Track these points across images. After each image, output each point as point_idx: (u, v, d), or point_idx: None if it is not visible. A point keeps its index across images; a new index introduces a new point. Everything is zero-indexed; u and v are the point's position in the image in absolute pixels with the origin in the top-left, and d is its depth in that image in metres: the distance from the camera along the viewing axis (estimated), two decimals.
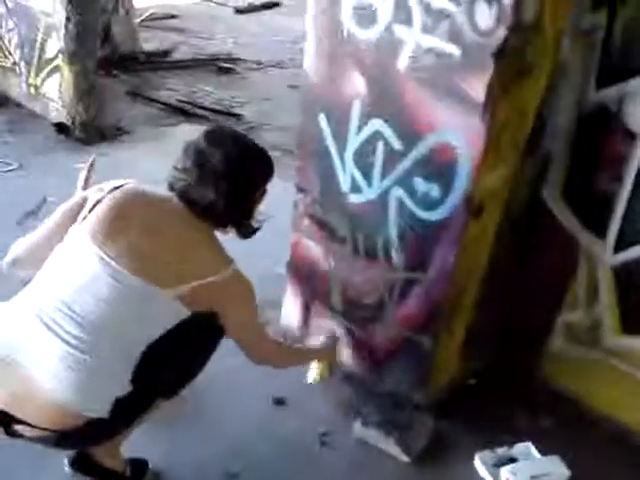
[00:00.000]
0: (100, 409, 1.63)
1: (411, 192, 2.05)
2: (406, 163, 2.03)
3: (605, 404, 2.34)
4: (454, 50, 1.83)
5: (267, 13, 7.29)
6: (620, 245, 2.19)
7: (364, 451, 2.22)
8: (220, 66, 5.44)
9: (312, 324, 2.53)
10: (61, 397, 1.59)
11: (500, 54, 1.77)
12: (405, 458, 2.18)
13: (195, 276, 1.71)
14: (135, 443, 1.95)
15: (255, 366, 2.00)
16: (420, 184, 2.02)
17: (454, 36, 1.82)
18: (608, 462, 2.22)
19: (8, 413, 1.62)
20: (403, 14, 1.90)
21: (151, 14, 6.58)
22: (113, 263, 1.64)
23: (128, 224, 1.70)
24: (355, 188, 2.19)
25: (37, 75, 4.26)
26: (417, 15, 1.87)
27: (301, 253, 2.46)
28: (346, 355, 2.45)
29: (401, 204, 2.09)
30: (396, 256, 2.17)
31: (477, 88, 1.83)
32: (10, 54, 4.44)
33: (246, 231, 1.90)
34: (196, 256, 1.76)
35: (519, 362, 2.45)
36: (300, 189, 2.37)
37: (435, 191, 2.00)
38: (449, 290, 2.12)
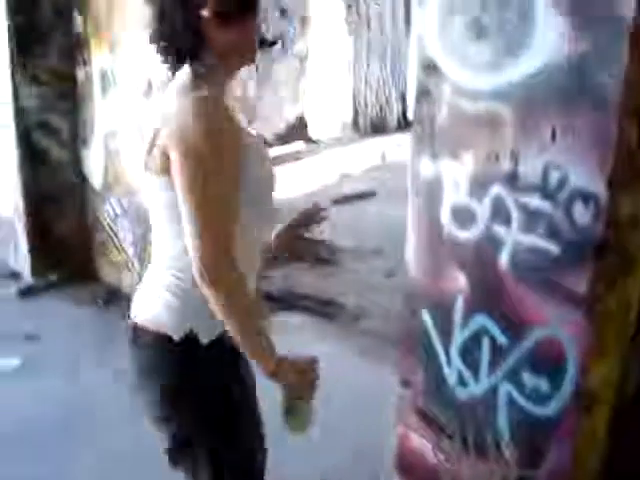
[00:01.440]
0: None
1: (520, 387, 2.04)
2: (513, 358, 2.04)
3: None
4: (553, 248, 1.89)
5: (362, 203, 7.59)
6: None
7: None
8: (319, 257, 5.64)
9: None
10: None
11: (600, 250, 1.81)
12: None
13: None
14: None
15: None
16: (529, 379, 2.01)
17: (553, 234, 1.88)
18: None
19: None
20: (501, 215, 1.99)
21: None
22: None
23: None
24: (462, 382, 2.20)
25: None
26: (515, 215, 1.96)
27: (408, 446, 2.43)
28: None
29: (510, 399, 2.07)
30: (507, 452, 2.13)
31: (579, 284, 1.85)
32: (124, 251, 4.77)
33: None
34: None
35: None
36: (405, 383, 2.39)
37: (544, 386, 1.98)
38: None
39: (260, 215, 1.75)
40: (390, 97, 12.42)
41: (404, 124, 12.37)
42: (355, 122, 12.13)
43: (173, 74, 1.71)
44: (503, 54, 1.90)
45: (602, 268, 1.83)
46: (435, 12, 2.05)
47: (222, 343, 1.71)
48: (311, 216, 2.06)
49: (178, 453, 1.81)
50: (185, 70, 1.67)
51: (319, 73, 12.14)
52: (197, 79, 1.64)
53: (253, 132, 1.78)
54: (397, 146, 10.78)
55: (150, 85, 3.90)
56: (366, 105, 12.14)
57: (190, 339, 1.69)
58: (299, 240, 2.08)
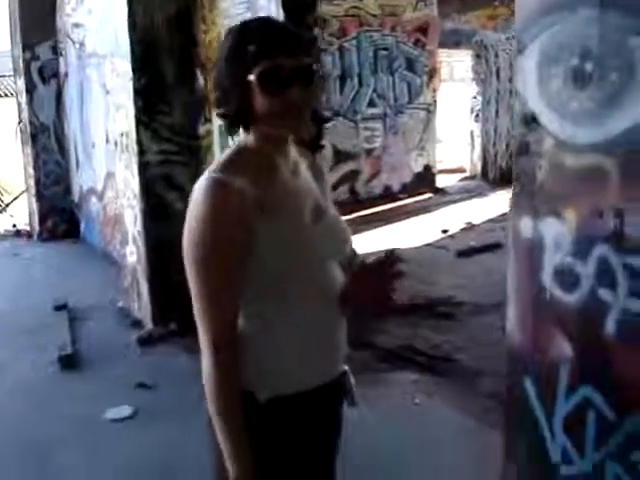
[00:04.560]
0: None
1: (629, 467, 1.85)
2: (621, 435, 1.85)
3: None
4: None
5: (486, 255, 7.38)
6: None
7: None
8: (439, 311, 5.50)
9: None
10: None
11: None
12: None
13: None
14: None
15: None
16: (639, 458, 1.82)
17: None
18: None
19: None
20: (607, 277, 1.83)
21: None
22: None
23: None
24: (566, 459, 2.02)
25: None
26: (621, 278, 1.80)
27: None
28: None
29: (618, 479, 1.88)
30: None
31: None
32: None
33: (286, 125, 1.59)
34: None
35: None
36: (507, 457, 2.23)
37: None
38: None
39: (317, 277, 1.70)
40: None
41: None
42: (484, 172, 11.93)
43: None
44: (605, 104, 1.77)
45: None
46: (534, 62, 1.95)
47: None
48: (384, 266, 1.88)
49: None
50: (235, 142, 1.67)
51: (447, 123, 12.07)
52: (232, 153, 1.64)
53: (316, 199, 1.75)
54: None
55: None
56: (495, 155, 11.92)
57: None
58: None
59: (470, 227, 8.48)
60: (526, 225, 2.04)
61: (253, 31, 1.58)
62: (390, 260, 1.74)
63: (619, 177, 1.78)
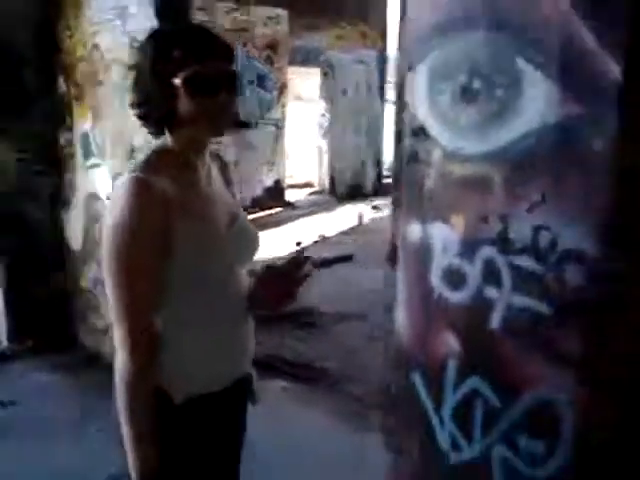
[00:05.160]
0: None
1: (515, 449, 2.02)
2: (507, 420, 2.02)
3: None
4: (545, 308, 1.89)
5: (341, 266, 7.61)
6: None
7: None
8: (302, 321, 5.62)
9: None
10: None
11: (592, 310, 1.82)
12: None
13: None
14: None
15: None
16: (523, 441, 1.99)
17: (544, 295, 1.89)
18: None
19: None
20: (492, 276, 2.00)
21: None
22: None
23: None
24: (455, 446, 2.17)
25: None
26: (506, 276, 1.97)
27: None
28: None
29: (505, 462, 2.05)
30: None
31: (572, 345, 1.86)
32: (103, 317, 4.70)
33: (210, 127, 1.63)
34: None
35: None
36: (397, 450, 2.36)
37: (540, 448, 1.96)
38: None
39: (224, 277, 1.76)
40: (366, 162, 12.59)
41: (379, 188, 12.54)
42: (332, 186, 12.26)
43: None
44: (491, 118, 1.94)
45: (595, 328, 1.84)
46: (424, 78, 2.10)
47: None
48: (293, 268, 1.94)
49: None
50: (155, 142, 1.69)
51: (296, 139, 12.29)
52: (151, 154, 1.67)
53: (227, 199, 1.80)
54: (372, 209, 10.89)
55: (133, 150, 3.92)
56: (342, 170, 12.29)
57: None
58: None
59: (323, 239, 8.70)
60: (415, 230, 2.18)
61: (179, 36, 1.61)
62: (299, 261, 1.82)
63: (503, 185, 1.95)
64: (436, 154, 2.10)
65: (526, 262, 1.92)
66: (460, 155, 2.04)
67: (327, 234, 9.05)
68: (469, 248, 2.05)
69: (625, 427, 2.04)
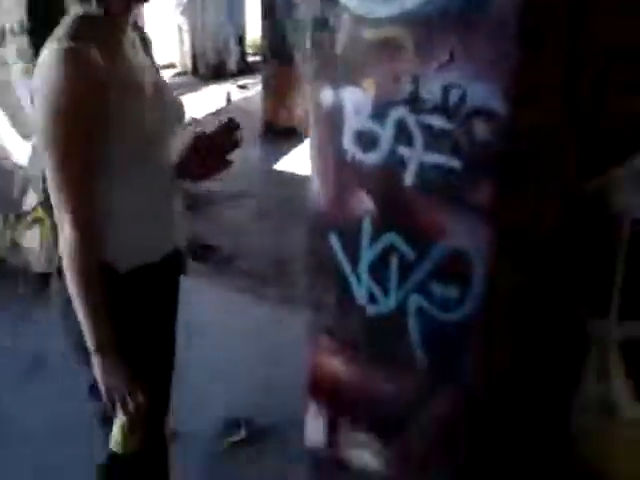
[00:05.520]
0: None
1: (429, 297, 2.18)
2: (421, 271, 2.17)
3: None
4: (456, 164, 2.01)
5: None
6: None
7: None
8: (189, 203, 5.61)
9: (341, 442, 2.58)
10: None
11: (500, 164, 1.96)
12: None
13: None
14: None
15: None
16: (437, 288, 2.15)
17: (455, 151, 2.01)
18: None
19: None
20: (404, 136, 2.09)
21: None
22: None
23: None
24: (372, 300, 2.31)
25: (15, 229, 4.34)
26: (418, 136, 2.06)
27: (321, 371, 2.54)
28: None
29: (420, 310, 2.21)
30: (420, 363, 2.27)
31: (481, 197, 2.00)
32: None
33: None
34: None
35: None
36: (314, 307, 2.48)
37: (453, 293, 2.13)
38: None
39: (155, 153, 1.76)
40: (228, 41, 12.27)
41: (244, 67, 12.32)
42: (195, 68, 11.93)
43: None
44: None
45: (502, 181, 1.98)
46: None
47: None
48: (224, 134, 1.97)
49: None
50: (71, 13, 1.62)
51: (154, 17, 11.76)
52: (75, 23, 1.60)
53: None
54: (239, 89, 10.75)
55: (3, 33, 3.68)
56: (204, 49, 11.94)
57: None
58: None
59: (195, 121, 8.55)
60: (326, 95, 2.22)
61: None
62: (230, 127, 1.84)
63: (413, 46, 2.01)
64: (345, 19, 2.12)
65: (437, 121, 2.02)
66: (369, 19, 2.07)
67: (196, 116, 8.87)
68: (381, 110, 2.12)
69: (529, 275, 2.24)
